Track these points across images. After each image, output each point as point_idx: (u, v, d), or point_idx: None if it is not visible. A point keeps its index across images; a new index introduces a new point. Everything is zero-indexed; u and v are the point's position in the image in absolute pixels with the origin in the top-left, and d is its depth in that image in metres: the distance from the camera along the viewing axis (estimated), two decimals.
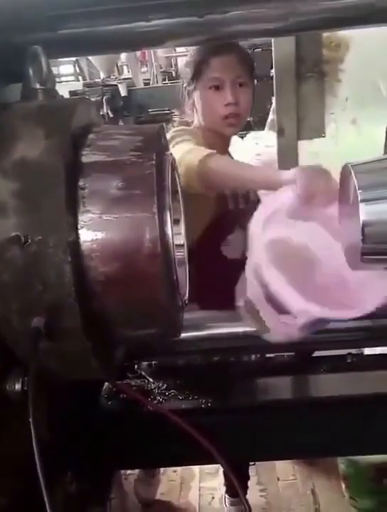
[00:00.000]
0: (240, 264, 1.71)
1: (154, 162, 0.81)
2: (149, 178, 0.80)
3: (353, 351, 1.53)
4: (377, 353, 1.53)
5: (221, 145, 1.78)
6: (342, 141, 2.06)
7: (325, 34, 2.05)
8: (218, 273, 1.74)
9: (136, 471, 2.38)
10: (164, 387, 1.38)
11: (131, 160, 0.81)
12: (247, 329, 1.40)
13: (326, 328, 1.42)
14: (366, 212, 0.91)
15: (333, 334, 1.43)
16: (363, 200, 0.91)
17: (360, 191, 0.92)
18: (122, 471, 2.17)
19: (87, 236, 0.78)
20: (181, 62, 9.64)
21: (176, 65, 9.93)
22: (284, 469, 2.58)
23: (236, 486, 1.08)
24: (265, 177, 1.39)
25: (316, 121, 2.01)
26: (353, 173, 0.94)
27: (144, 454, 1.28)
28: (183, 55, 9.14)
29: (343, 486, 2.37)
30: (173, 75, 9.30)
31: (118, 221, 0.78)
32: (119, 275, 0.79)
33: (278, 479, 2.55)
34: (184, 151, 1.49)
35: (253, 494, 2.42)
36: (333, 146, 2.08)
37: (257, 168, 1.63)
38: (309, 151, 2.21)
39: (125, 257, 0.78)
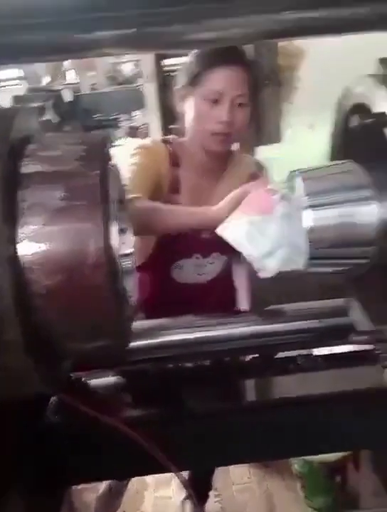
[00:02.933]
0: (189, 288, 1.71)
1: (98, 172, 0.79)
2: (94, 189, 0.78)
3: (303, 352, 1.55)
4: (325, 353, 1.55)
5: (211, 157, 1.67)
6: (299, 146, 2.09)
7: (280, 43, 2.06)
8: (165, 294, 1.72)
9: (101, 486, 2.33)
10: (115, 398, 1.36)
11: (75, 170, 0.80)
12: (200, 335, 1.41)
13: (277, 330, 1.45)
14: (313, 218, 0.92)
15: (284, 336, 1.45)
16: (310, 206, 0.92)
17: (307, 197, 0.93)
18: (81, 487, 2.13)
19: (28, 249, 0.75)
20: (127, 67, 9.62)
21: (122, 69, 9.87)
22: (239, 473, 2.60)
23: (191, 497, 1.07)
24: (190, 220, 1.40)
25: (273, 127, 2.02)
26: (300, 180, 0.95)
27: (95, 468, 1.26)
28: (129, 61, 9.12)
29: (299, 485, 2.40)
30: (120, 80, 9.24)
31: (61, 232, 0.77)
32: (62, 287, 0.77)
33: (233, 483, 2.56)
34: (130, 156, 1.47)
35: (208, 500, 2.42)
36: (290, 151, 2.10)
37: (179, 210, 1.48)
38: (267, 156, 2.22)
39: (69, 268, 0.77)
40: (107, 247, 0.77)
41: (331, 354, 1.54)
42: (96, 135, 0.89)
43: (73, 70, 8.06)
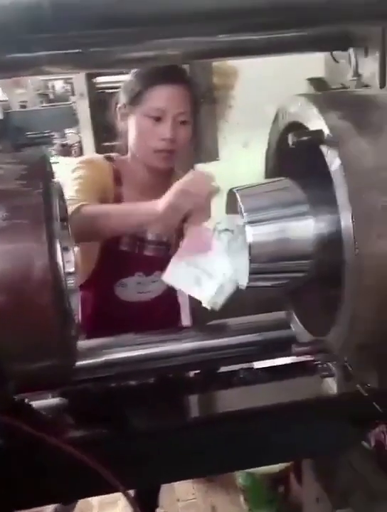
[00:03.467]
0: (133, 307, 1.70)
1: (41, 191, 0.80)
2: (37, 207, 0.78)
3: (245, 366, 1.57)
4: (266, 366, 1.58)
5: (153, 175, 1.67)
6: (234, 164, 2.12)
7: (215, 63, 2.11)
8: (108, 313, 1.70)
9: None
10: (59, 419, 1.34)
11: (17, 189, 0.80)
12: (142, 352, 1.41)
13: (219, 345, 1.47)
14: (252, 234, 0.95)
15: (227, 351, 1.47)
16: (249, 223, 0.95)
17: (246, 214, 0.95)
18: None
19: None
20: (58, 84, 9.55)
21: (53, 87, 9.79)
22: (184, 489, 2.59)
23: None
24: (138, 215, 1.40)
25: (210, 145, 2.06)
26: (238, 197, 0.98)
27: (41, 491, 1.24)
28: (60, 79, 9.05)
29: (242, 498, 2.42)
30: (51, 97, 9.16)
31: (5, 252, 0.76)
32: (7, 307, 0.77)
33: (178, 500, 2.55)
34: (71, 170, 1.46)
35: None
36: (227, 169, 2.13)
37: (126, 209, 1.51)
38: None
39: (14, 288, 0.76)
40: (53, 266, 0.77)
41: (271, 367, 1.57)
42: (35, 154, 0.89)
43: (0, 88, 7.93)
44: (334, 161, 0.84)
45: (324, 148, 0.87)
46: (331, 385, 1.38)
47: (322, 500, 1.53)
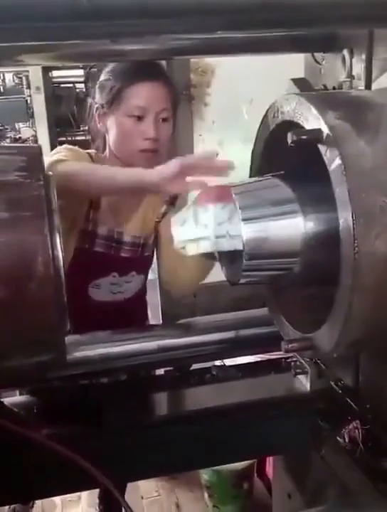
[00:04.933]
0: (105, 306, 1.67)
1: (42, 182, 0.78)
2: (39, 199, 0.77)
3: (217, 363, 1.58)
4: (237, 363, 1.59)
5: None
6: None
7: (193, 60, 2.11)
8: (80, 313, 1.66)
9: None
10: (29, 416, 1.32)
11: (18, 180, 0.78)
12: (115, 350, 1.40)
13: (195, 342, 1.47)
14: (246, 231, 0.95)
15: (201, 348, 1.48)
16: (244, 219, 0.95)
17: (241, 211, 0.96)
18: None
19: None
20: (8, 77, 9.32)
21: (3, 80, 9.56)
22: (148, 486, 2.59)
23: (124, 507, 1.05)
24: (125, 178, 1.31)
25: (185, 142, 2.05)
26: (233, 194, 0.98)
27: (16, 488, 1.21)
28: (11, 72, 8.85)
29: (206, 495, 2.43)
30: (1, 90, 8.95)
31: (6, 244, 0.74)
32: (7, 301, 0.75)
33: (142, 497, 2.55)
34: (50, 155, 1.39)
35: None
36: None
37: (116, 169, 1.43)
38: None
39: (15, 281, 0.74)
40: (54, 259, 0.76)
41: (244, 364, 1.58)
42: (31, 146, 0.87)
43: None
44: (333, 160, 0.85)
45: (322, 148, 0.88)
46: (303, 383, 1.41)
47: (294, 496, 1.55)
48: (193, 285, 1.65)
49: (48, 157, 1.38)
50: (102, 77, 1.55)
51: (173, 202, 1.60)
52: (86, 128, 1.71)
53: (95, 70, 1.66)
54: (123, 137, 1.51)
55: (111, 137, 1.54)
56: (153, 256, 1.74)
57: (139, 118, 1.48)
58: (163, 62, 1.69)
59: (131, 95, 1.48)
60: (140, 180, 1.29)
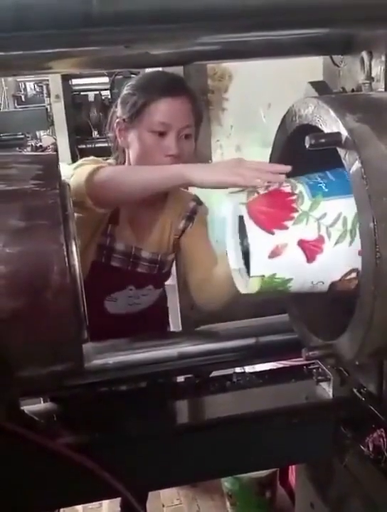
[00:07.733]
0: (121, 318, 1.65)
1: (57, 191, 0.77)
2: (54, 208, 0.76)
3: (238, 370, 1.57)
4: (257, 370, 1.58)
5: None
6: None
7: (210, 65, 2.10)
8: (95, 324, 1.64)
9: None
10: (50, 424, 1.31)
11: (33, 189, 0.77)
12: (135, 357, 1.39)
13: (215, 348, 1.46)
14: None
15: (222, 355, 1.46)
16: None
17: None
18: None
19: None
20: (30, 86, 9.46)
21: (25, 89, 9.70)
22: (169, 495, 2.57)
23: None
24: (165, 175, 1.28)
25: (203, 148, 2.04)
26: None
27: (40, 497, 1.21)
28: (32, 81, 8.97)
29: (228, 503, 2.41)
30: (23, 99, 9.07)
31: (22, 253, 0.74)
32: (24, 311, 0.74)
33: (163, 506, 2.53)
34: (73, 167, 1.37)
35: None
36: None
37: (154, 168, 1.41)
38: None
39: (31, 290, 0.74)
40: (71, 268, 0.75)
41: (265, 371, 1.57)
42: (48, 154, 0.87)
43: None
44: (352, 163, 0.84)
45: (341, 151, 0.87)
46: (326, 390, 1.39)
47: (317, 505, 1.53)
48: (223, 301, 1.59)
49: (72, 169, 1.38)
50: (125, 91, 1.53)
51: (192, 217, 1.59)
52: (106, 135, 1.70)
53: (121, 77, 1.65)
54: (144, 153, 1.48)
55: (132, 152, 1.52)
56: (170, 271, 1.73)
57: (161, 134, 1.45)
58: (181, 69, 1.68)
59: (155, 111, 1.45)
60: (180, 173, 1.24)
